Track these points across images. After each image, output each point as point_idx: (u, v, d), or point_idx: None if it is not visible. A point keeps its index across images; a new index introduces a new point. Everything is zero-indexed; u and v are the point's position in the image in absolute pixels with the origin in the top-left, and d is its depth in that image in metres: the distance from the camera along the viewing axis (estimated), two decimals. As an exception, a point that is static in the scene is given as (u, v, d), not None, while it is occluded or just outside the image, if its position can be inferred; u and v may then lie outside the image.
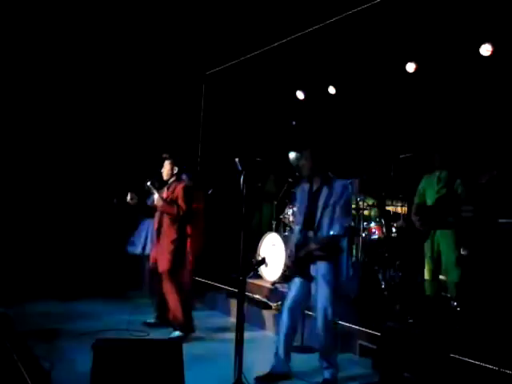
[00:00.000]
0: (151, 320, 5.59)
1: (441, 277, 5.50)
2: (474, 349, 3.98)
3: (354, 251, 6.76)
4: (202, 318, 5.86)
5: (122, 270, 7.39)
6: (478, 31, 6.03)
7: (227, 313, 6.30)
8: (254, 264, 6.68)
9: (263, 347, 5.00)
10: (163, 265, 5.25)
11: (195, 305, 6.30)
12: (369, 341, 4.73)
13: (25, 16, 6.90)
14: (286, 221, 7.04)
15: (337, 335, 4.19)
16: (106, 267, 7.32)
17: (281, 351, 4.05)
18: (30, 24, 7.05)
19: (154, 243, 5.50)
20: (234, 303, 6.13)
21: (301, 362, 4.45)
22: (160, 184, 5.47)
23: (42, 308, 6.04)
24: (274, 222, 7.35)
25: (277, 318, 5.50)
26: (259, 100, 8.68)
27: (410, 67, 6.91)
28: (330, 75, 7.84)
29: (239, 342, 3.39)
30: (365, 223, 6.68)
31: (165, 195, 5.33)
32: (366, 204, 6.80)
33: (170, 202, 5.23)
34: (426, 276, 5.47)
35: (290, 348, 4.10)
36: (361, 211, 6.65)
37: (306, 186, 4.23)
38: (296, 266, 4.07)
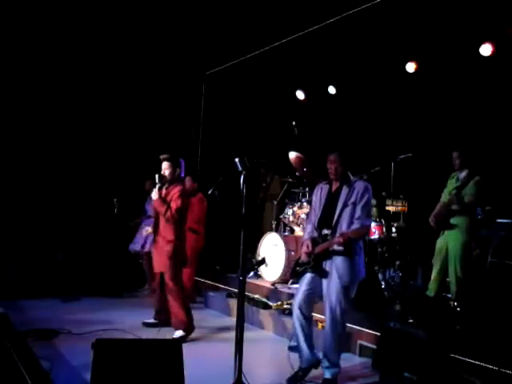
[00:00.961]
0: (150, 320, 5.57)
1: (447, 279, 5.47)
2: (474, 349, 3.98)
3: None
4: (202, 317, 5.86)
5: (123, 270, 7.40)
6: (478, 31, 6.03)
7: (227, 313, 6.30)
8: (253, 264, 6.69)
9: (263, 347, 5.02)
10: (160, 266, 5.25)
11: (195, 302, 6.30)
12: (369, 341, 4.73)
13: (25, 16, 6.90)
14: (286, 221, 7.04)
15: (343, 336, 4.15)
16: (106, 267, 7.31)
17: (304, 346, 4.03)
18: (30, 24, 7.05)
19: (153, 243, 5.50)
20: (233, 303, 6.13)
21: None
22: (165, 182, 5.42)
23: (42, 308, 6.04)
24: (274, 222, 7.35)
25: (277, 317, 5.52)
26: (259, 100, 8.69)
27: (410, 67, 6.91)
28: (330, 75, 7.84)
29: (239, 342, 3.39)
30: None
31: (162, 193, 5.31)
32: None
33: (163, 200, 5.21)
34: (434, 275, 5.43)
35: (311, 339, 4.07)
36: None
37: (326, 187, 4.23)
38: (313, 260, 4.04)
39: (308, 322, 4.08)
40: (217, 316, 6.34)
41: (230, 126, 8.92)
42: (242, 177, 3.52)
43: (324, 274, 4.01)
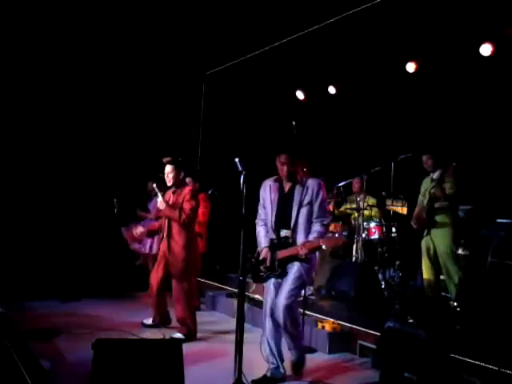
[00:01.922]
0: (149, 321, 5.54)
1: (441, 277, 5.52)
2: (474, 349, 3.98)
3: (354, 251, 6.76)
4: (203, 317, 5.85)
5: (123, 270, 7.40)
6: (478, 31, 6.03)
7: (227, 313, 6.29)
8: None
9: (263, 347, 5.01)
10: (176, 270, 5.10)
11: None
12: (369, 341, 4.73)
13: (25, 16, 6.90)
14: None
15: (297, 320, 4.11)
16: (106, 267, 7.31)
17: (272, 356, 4.00)
18: (30, 24, 7.05)
19: (159, 244, 5.40)
20: (234, 303, 6.13)
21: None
22: (164, 187, 5.29)
23: (42, 308, 6.04)
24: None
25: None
26: (259, 100, 8.69)
27: (410, 67, 6.91)
28: (330, 75, 7.84)
29: (239, 342, 3.38)
30: (365, 223, 6.68)
31: (171, 200, 5.14)
32: (366, 204, 6.80)
33: (172, 205, 5.04)
34: (425, 275, 5.50)
35: (280, 350, 4.04)
36: (361, 211, 6.66)
37: (275, 184, 4.13)
38: (278, 267, 3.98)
39: (278, 332, 4.02)
40: (217, 316, 6.34)
41: (230, 126, 8.92)
42: (242, 177, 3.51)
43: (283, 276, 4.00)
